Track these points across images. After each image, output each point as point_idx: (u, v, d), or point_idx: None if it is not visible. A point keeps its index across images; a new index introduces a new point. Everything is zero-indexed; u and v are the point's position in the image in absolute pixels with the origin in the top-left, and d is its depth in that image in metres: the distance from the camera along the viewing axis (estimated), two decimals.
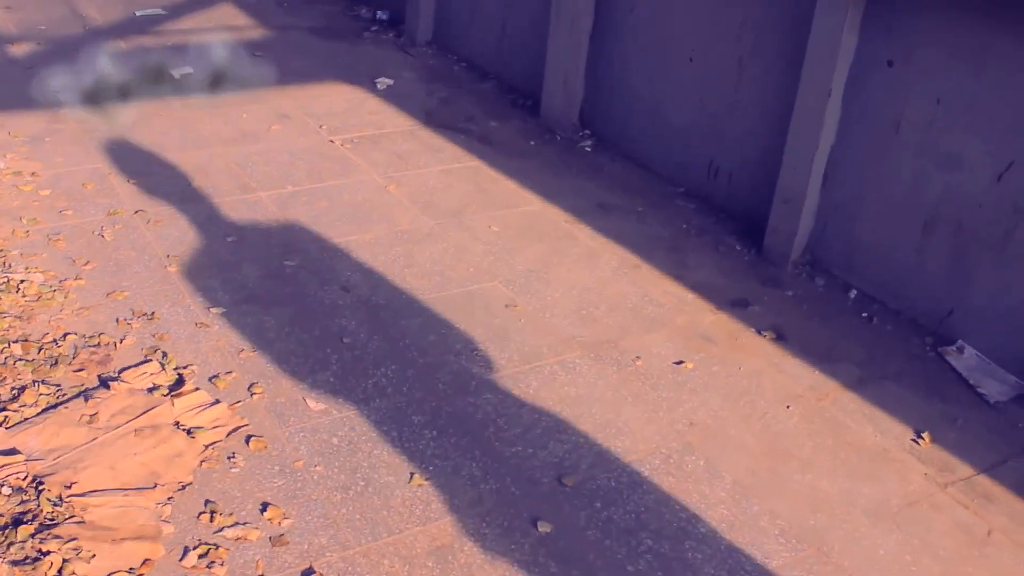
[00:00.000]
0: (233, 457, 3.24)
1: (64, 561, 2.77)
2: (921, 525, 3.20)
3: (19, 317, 3.80)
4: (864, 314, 4.31)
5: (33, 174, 4.94)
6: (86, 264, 4.21)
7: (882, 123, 4.22)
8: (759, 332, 4.14)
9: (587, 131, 5.94)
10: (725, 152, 5.06)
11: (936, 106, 4.01)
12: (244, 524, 2.98)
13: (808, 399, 3.75)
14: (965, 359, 3.95)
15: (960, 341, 4.03)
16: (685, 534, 3.08)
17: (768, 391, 3.78)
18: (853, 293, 4.42)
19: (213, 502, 3.05)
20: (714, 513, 3.17)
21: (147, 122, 5.69)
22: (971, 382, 3.86)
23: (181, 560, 2.84)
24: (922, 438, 3.58)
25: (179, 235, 4.51)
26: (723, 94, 5.00)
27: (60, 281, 4.07)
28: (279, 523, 2.99)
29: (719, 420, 3.61)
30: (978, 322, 4.00)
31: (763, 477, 3.35)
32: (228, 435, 3.33)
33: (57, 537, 2.84)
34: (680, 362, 3.90)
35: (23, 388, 3.43)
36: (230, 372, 3.64)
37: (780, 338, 4.11)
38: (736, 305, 4.32)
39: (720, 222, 5.01)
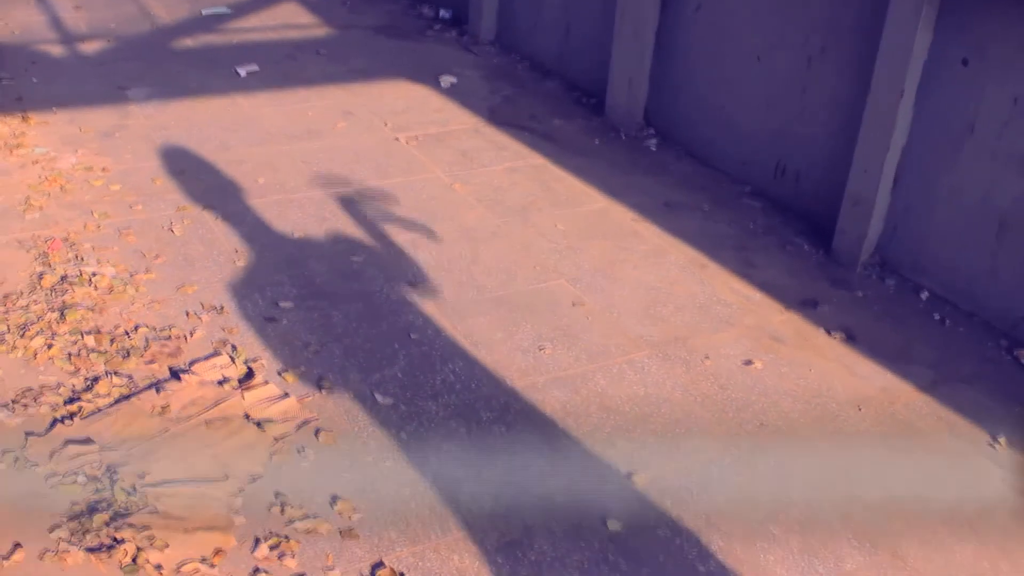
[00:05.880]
0: (303, 450, 3.25)
1: (138, 549, 2.79)
2: (999, 532, 3.13)
3: (91, 309, 3.85)
4: (936, 316, 4.24)
5: (103, 169, 5.01)
6: (156, 258, 4.26)
7: (956, 123, 4.14)
8: (829, 333, 4.08)
9: (652, 129, 5.90)
10: (793, 151, 5.00)
11: (1013, 106, 3.93)
12: (314, 517, 2.99)
13: (880, 401, 3.69)
14: None
15: None
16: (756, 535, 3.05)
17: (839, 392, 3.72)
18: (924, 294, 4.35)
19: (284, 494, 3.06)
20: (786, 515, 3.13)
21: (214, 119, 5.74)
22: None
23: (253, 551, 2.85)
24: (999, 442, 3.50)
25: (247, 230, 4.55)
26: (791, 93, 4.94)
27: (131, 274, 4.12)
28: (349, 516, 3.00)
29: (790, 421, 3.56)
30: None
31: (835, 480, 3.30)
32: (298, 428, 3.34)
33: (131, 525, 2.87)
34: (749, 362, 3.85)
35: (96, 379, 3.48)
36: (299, 366, 3.65)
37: (851, 339, 4.05)
38: (805, 305, 4.27)
39: (787, 222, 4.95)
